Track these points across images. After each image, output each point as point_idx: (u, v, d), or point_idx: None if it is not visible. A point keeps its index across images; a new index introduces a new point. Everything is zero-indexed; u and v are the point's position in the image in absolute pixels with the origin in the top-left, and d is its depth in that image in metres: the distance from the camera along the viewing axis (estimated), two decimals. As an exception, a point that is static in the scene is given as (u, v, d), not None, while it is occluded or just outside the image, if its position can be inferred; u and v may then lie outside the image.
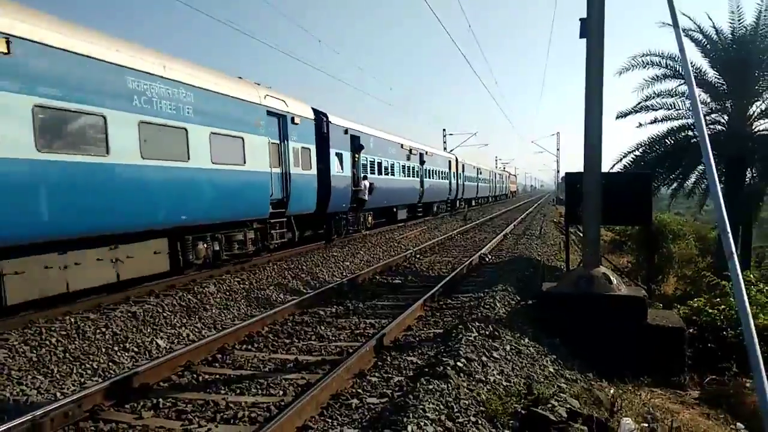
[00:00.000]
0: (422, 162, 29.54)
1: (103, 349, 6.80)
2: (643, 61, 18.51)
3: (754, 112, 17.66)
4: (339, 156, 18.15)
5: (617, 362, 6.92)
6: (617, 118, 20.11)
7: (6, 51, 7.02)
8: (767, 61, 17.12)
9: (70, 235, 8.10)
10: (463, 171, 41.63)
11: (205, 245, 11.33)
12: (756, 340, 4.01)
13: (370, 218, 22.31)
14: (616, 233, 26.84)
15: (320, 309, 9.20)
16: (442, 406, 4.44)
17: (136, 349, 6.97)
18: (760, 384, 3.83)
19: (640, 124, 19.45)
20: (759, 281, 11.13)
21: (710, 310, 9.38)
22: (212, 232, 11.60)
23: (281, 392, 5.47)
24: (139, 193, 9.27)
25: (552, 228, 27.02)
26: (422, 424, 4.06)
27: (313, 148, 15.94)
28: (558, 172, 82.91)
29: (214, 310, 9.13)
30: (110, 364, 6.43)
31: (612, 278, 8.02)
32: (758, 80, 17.30)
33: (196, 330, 8.09)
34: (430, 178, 31.17)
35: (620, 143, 24.83)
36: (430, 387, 4.82)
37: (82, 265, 8.40)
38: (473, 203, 44.17)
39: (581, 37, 8.08)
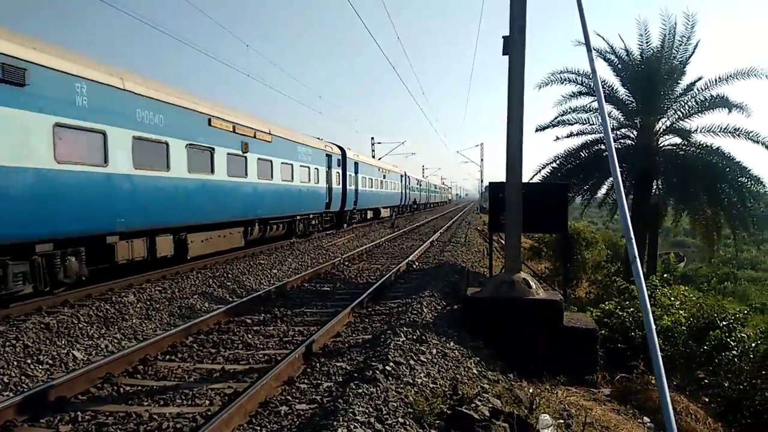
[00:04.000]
0: (419, 184, 63.02)
1: (15, 363, 6.39)
2: (560, 78, 19.56)
3: (660, 128, 19.03)
4: (408, 186, 50.97)
5: (536, 362, 7.27)
6: (536, 131, 21.10)
7: None
8: (671, 81, 18.56)
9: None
10: (428, 186, 74.71)
11: (394, 212, 43.52)
12: (655, 336, 4.38)
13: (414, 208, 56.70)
14: (534, 240, 28.05)
15: (247, 317, 9.06)
16: (371, 409, 4.53)
17: (50, 362, 6.58)
18: (659, 378, 4.18)
19: (558, 138, 20.50)
20: (663, 285, 12.01)
21: (620, 313, 10.00)
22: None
23: (207, 402, 5.37)
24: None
25: (476, 236, 27.87)
26: (352, 426, 4.13)
27: (404, 183, 48.35)
28: (482, 181, 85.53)
29: (134, 320, 8.78)
30: (23, 377, 6.05)
31: (531, 283, 8.41)
32: (663, 98, 18.69)
33: (116, 341, 7.75)
34: (421, 192, 63.71)
35: (540, 155, 26.01)
36: (360, 391, 4.90)
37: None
38: (423, 207, 68.98)
39: (504, 54, 8.47)
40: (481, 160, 79.33)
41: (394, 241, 23.25)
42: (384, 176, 38.30)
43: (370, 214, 35.48)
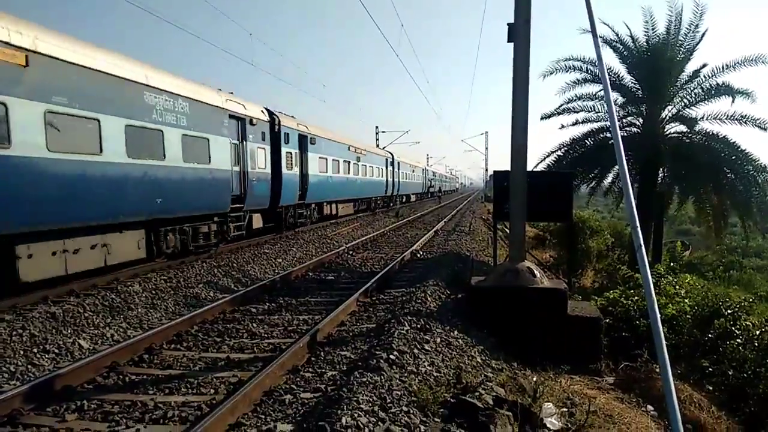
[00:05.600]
0: (435, 175, 75.86)
1: (21, 352, 6.45)
2: (565, 66, 19.32)
3: (665, 115, 18.84)
4: (427, 177, 66.62)
5: (540, 351, 7.27)
6: (542, 119, 20.89)
7: None
8: (677, 68, 18.37)
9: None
10: (441, 177, 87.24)
11: (417, 197, 58.05)
12: (660, 324, 4.36)
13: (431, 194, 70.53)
14: (539, 229, 27.98)
15: (252, 306, 9.10)
16: (375, 398, 4.55)
17: (56, 351, 6.65)
18: (663, 366, 4.17)
19: (563, 126, 20.32)
20: (668, 273, 11.97)
21: (624, 301, 9.98)
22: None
23: (212, 391, 5.41)
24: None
25: (481, 224, 27.83)
26: (356, 415, 4.15)
27: (425, 175, 64.63)
28: (486, 170, 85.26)
29: (140, 310, 8.83)
30: (29, 366, 6.11)
31: (536, 272, 8.39)
32: (669, 86, 18.49)
33: (121, 330, 7.81)
34: (435, 182, 76.21)
35: (545, 143, 25.81)
36: (364, 380, 4.92)
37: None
38: (439, 194, 76.69)
39: (509, 41, 8.39)
40: (486, 148, 79.08)
41: (398, 230, 23.25)
42: (413, 171, 52.88)
43: (404, 199, 49.67)
